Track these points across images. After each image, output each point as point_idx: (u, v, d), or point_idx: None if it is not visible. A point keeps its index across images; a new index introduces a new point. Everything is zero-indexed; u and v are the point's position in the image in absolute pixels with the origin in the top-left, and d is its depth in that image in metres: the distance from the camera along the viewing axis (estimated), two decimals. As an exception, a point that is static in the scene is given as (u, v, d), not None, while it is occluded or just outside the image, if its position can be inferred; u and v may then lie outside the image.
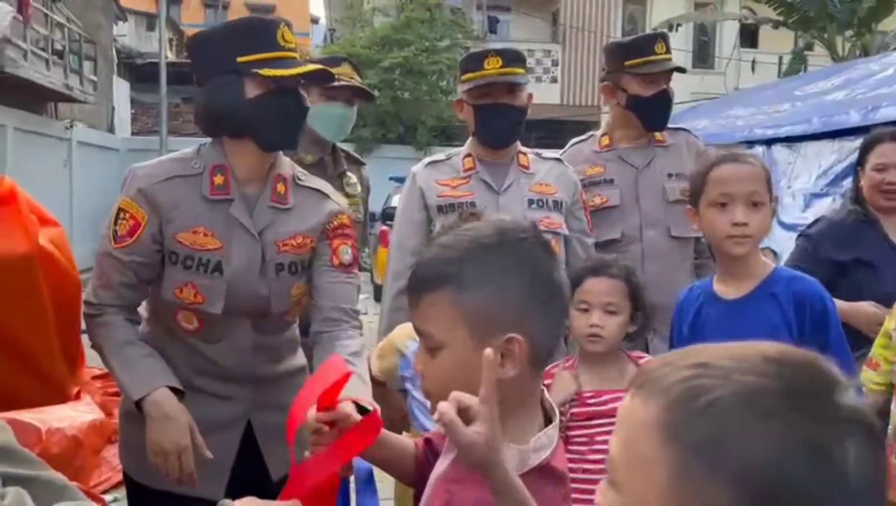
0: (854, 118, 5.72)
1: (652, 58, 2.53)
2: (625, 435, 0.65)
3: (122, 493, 3.14)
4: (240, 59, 1.65)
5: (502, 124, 2.30)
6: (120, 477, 3.25)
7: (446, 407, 0.90)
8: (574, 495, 1.20)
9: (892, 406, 2.03)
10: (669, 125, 2.71)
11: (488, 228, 1.09)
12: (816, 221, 2.70)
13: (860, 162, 2.60)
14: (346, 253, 1.81)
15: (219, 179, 1.71)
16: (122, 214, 1.69)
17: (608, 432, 1.62)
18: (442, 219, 2.24)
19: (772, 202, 1.79)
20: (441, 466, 1.11)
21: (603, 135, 2.66)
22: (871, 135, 2.71)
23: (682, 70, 2.61)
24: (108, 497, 3.41)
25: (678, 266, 2.49)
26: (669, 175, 2.52)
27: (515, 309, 1.01)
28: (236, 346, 1.77)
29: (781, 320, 1.74)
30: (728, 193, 1.73)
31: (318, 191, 1.86)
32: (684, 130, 2.78)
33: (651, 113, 2.57)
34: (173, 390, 1.62)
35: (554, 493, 1.04)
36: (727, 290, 1.83)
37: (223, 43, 1.72)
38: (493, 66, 2.24)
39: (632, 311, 1.93)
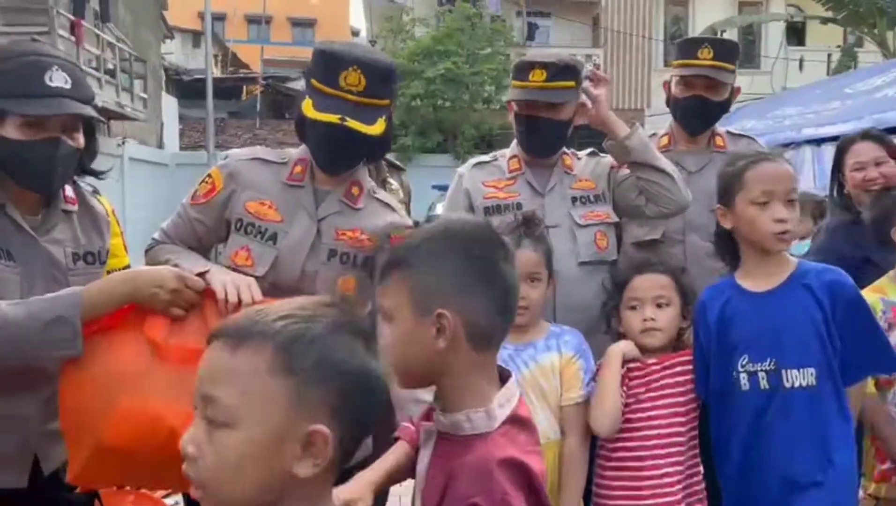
0: (909, 117, 5.61)
1: (692, 61, 2.53)
2: (238, 384, 0.82)
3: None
4: (312, 82, 1.85)
5: (541, 138, 2.30)
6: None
7: None
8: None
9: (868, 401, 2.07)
10: (734, 131, 2.70)
11: (439, 223, 1.29)
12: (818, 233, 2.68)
13: (837, 167, 2.66)
14: None
15: (297, 169, 1.93)
16: (206, 179, 1.95)
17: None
18: (490, 219, 2.21)
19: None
20: (424, 459, 1.22)
21: (664, 135, 2.65)
22: (843, 139, 2.79)
23: (719, 82, 2.53)
24: (169, 501, 3.48)
25: (714, 270, 2.47)
26: None
27: (448, 290, 1.12)
28: None
29: (817, 308, 1.79)
30: (770, 191, 1.78)
31: (387, 204, 2.04)
32: (748, 137, 2.75)
33: (685, 116, 2.58)
34: None
35: (527, 439, 1.16)
36: (756, 283, 1.87)
37: (309, 67, 1.93)
38: (536, 78, 2.23)
39: (682, 304, 1.97)
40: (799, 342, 1.79)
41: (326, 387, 0.84)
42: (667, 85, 2.67)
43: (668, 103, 2.66)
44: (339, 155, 1.89)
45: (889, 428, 2.02)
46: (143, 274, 1.63)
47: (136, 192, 13.89)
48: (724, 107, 2.60)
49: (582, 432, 1.94)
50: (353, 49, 1.90)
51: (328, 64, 1.83)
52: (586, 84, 2.25)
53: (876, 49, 13.97)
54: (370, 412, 0.92)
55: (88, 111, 1.65)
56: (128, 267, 2.35)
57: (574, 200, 2.29)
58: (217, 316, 1.60)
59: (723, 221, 1.90)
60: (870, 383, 2.06)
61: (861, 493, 2.16)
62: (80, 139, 1.66)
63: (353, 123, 1.76)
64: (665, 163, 2.21)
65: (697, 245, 2.42)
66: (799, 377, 1.79)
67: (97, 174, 1.84)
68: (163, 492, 3.49)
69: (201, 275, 1.68)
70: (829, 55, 16.11)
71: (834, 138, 6.20)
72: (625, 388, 1.96)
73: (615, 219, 2.32)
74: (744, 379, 1.84)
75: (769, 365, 1.81)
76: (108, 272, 1.84)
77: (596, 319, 2.11)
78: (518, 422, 1.15)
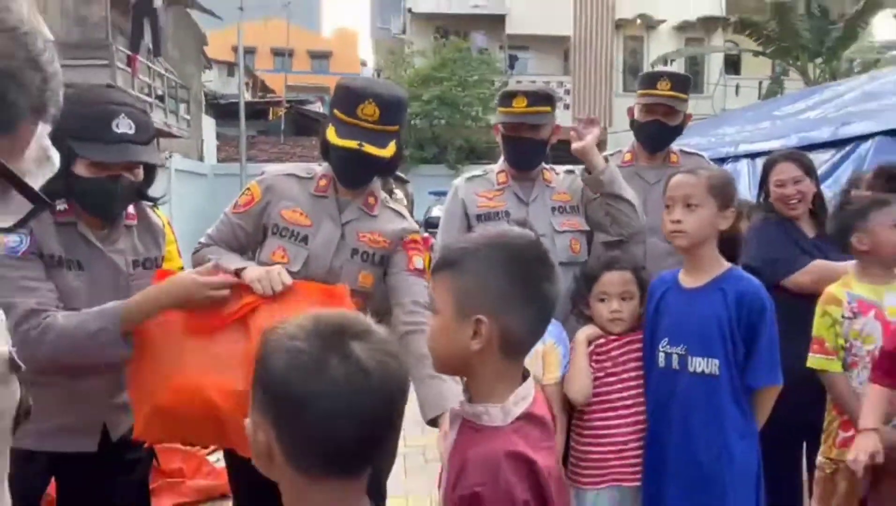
0: (825, 134, 5.61)
1: (653, 91, 2.52)
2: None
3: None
4: (334, 112, 1.87)
5: (524, 154, 2.29)
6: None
7: None
8: None
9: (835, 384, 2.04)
10: (686, 150, 2.68)
11: (497, 232, 1.18)
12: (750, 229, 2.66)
13: (764, 180, 2.66)
14: (419, 261, 1.97)
15: (322, 183, 1.94)
16: (246, 191, 1.96)
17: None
18: (481, 226, 2.22)
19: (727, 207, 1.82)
20: (450, 439, 1.15)
21: (627, 152, 2.64)
22: (768, 158, 2.78)
23: (675, 109, 2.53)
24: (211, 457, 3.48)
25: (673, 267, 2.47)
26: None
27: (492, 298, 1.05)
28: None
29: (725, 310, 1.77)
30: (671, 197, 1.84)
31: (399, 212, 2.07)
32: (698, 154, 2.73)
33: (646, 137, 2.57)
34: None
35: (540, 435, 1.09)
36: (689, 280, 1.86)
37: (332, 99, 1.96)
38: (519, 105, 2.23)
39: (641, 295, 1.98)
40: (705, 335, 1.78)
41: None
42: (630, 110, 2.65)
43: (631, 126, 2.64)
44: (357, 174, 1.92)
45: (856, 403, 1.97)
46: (171, 291, 1.60)
47: (181, 197, 13.82)
48: (678, 130, 2.59)
49: (560, 406, 1.94)
50: (369, 85, 1.91)
51: (349, 97, 1.84)
52: (578, 125, 2.23)
53: (799, 78, 14.02)
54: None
55: (147, 156, 1.65)
56: (181, 269, 2.34)
57: (553, 209, 2.28)
58: (251, 298, 1.64)
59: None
60: (836, 362, 2.02)
61: (820, 458, 2.14)
62: (140, 174, 1.66)
63: (368, 148, 1.78)
64: (630, 194, 2.21)
65: (656, 245, 2.41)
66: (703, 364, 1.78)
67: (153, 201, 1.82)
68: (206, 450, 3.51)
69: (238, 272, 1.69)
70: (760, 83, 16.13)
71: (766, 153, 6.20)
72: (593, 364, 1.96)
73: (587, 228, 2.31)
74: (662, 358, 1.85)
75: (681, 350, 1.81)
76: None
77: (569, 309, 2.11)
78: (532, 419, 1.08)
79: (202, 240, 1.96)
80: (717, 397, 1.77)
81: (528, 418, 1.08)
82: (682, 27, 18.12)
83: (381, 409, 0.80)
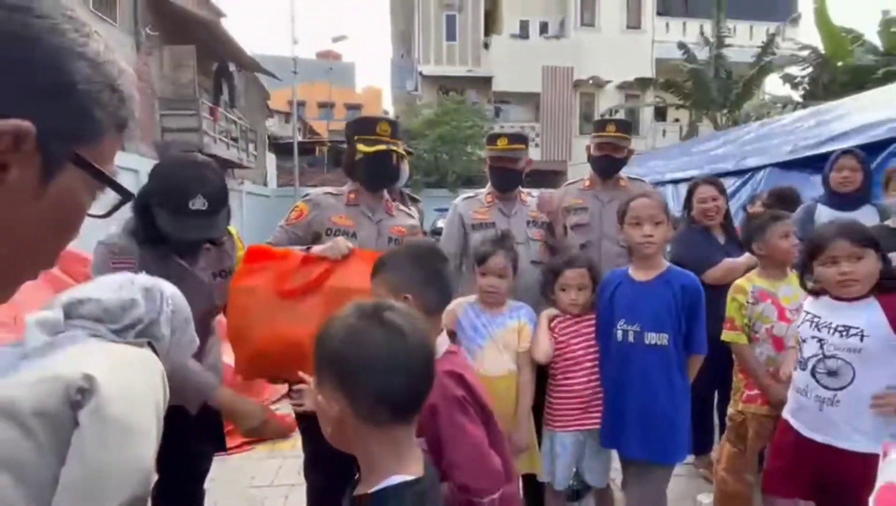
0: (729, 165, 5.64)
1: (603, 133, 2.50)
2: None
3: (282, 403, 3.23)
4: (357, 137, 1.91)
5: (505, 180, 2.27)
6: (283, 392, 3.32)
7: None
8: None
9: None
10: (631, 176, 2.65)
11: (404, 245, 1.37)
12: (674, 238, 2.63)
13: (688, 200, 2.66)
14: None
15: (351, 196, 1.98)
16: (295, 208, 1.98)
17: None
18: (475, 233, 2.22)
19: (669, 221, 1.82)
20: None
21: (588, 179, 2.61)
22: (693, 182, 2.77)
23: (620, 146, 2.52)
24: (274, 407, 3.47)
25: (622, 266, 2.45)
26: None
27: (407, 283, 1.19)
28: None
29: (671, 297, 1.75)
30: (638, 216, 1.78)
31: (408, 213, 2.14)
32: (640, 179, 2.71)
33: (599, 168, 2.55)
34: None
35: (460, 362, 1.23)
36: (640, 275, 1.83)
37: (353, 130, 1.97)
38: (501, 144, 2.24)
39: (593, 286, 1.97)
40: (656, 315, 1.76)
41: None
42: (588, 148, 2.63)
43: (588, 159, 2.61)
44: (383, 174, 1.98)
45: (760, 368, 1.96)
46: (243, 409, 1.49)
47: (250, 212, 13.88)
48: (623, 162, 2.56)
49: (529, 367, 1.92)
50: (377, 115, 2.01)
51: (367, 123, 1.97)
52: (543, 211, 2.19)
53: (710, 125, 14.00)
54: None
55: (212, 231, 1.53)
56: None
57: (528, 222, 2.26)
58: (324, 266, 1.63)
59: (620, 235, 1.90)
60: (743, 337, 2.01)
61: (731, 410, 2.12)
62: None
63: (393, 148, 1.90)
64: (565, 243, 2.21)
65: (610, 248, 2.42)
66: (655, 338, 1.75)
67: (217, 244, 1.72)
68: (270, 401, 3.49)
69: (308, 249, 1.71)
70: (681, 128, 16.08)
71: (686, 179, 6.24)
72: (555, 335, 1.95)
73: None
74: (619, 334, 1.81)
75: (636, 327, 1.78)
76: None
77: (538, 296, 2.10)
78: (451, 353, 1.23)
79: (269, 240, 1.94)
80: (667, 361, 1.76)
81: (448, 353, 1.22)
82: (623, 86, 18.08)
83: (421, 363, 0.79)
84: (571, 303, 1.96)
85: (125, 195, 0.49)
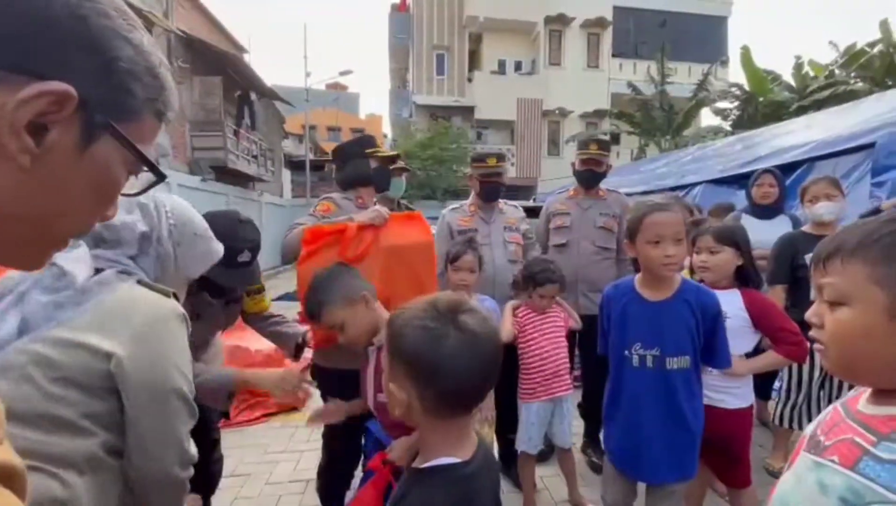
0: (671, 182, 5.70)
1: (586, 151, 2.47)
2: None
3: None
4: (367, 151, 1.86)
5: (494, 193, 2.27)
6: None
7: None
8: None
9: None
10: (609, 188, 2.57)
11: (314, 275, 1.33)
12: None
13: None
14: None
15: (360, 201, 1.87)
16: (322, 203, 1.80)
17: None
18: (459, 237, 2.22)
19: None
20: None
21: (572, 189, 2.58)
22: (650, 196, 2.60)
23: (601, 161, 2.44)
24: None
25: (598, 263, 2.43)
26: (601, 214, 2.45)
27: (357, 288, 1.28)
28: None
29: (692, 317, 1.39)
30: (661, 235, 1.35)
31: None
32: (617, 192, 2.61)
33: (582, 179, 2.49)
34: None
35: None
36: (653, 294, 1.42)
37: (361, 146, 1.89)
38: (491, 162, 2.25)
39: (562, 289, 1.99)
40: (677, 339, 1.39)
41: None
42: (573, 164, 2.58)
43: (573, 172, 2.55)
44: (391, 178, 1.99)
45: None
46: (268, 377, 1.43)
47: (268, 221, 13.64)
48: (603, 175, 2.50)
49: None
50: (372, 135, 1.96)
51: (371, 140, 1.94)
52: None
53: (656, 148, 14.18)
54: None
55: (255, 279, 1.51)
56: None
57: (505, 228, 2.26)
58: (370, 233, 1.56)
59: (630, 252, 1.42)
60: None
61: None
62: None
63: (399, 155, 2.01)
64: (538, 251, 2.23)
65: (587, 248, 2.41)
66: (677, 362, 1.39)
67: (246, 292, 1.64)
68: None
69: (350, 220, 1.60)
70: (632, 150, 16.25)
71: (637, 194, 6.31)
72: (518, 321, 1.96)
73: (523, 242, 2.31)
74: (636, 358, 1.41)
75: (655, 352, 1.39)
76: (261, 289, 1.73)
77: (511, 292, 2.10)
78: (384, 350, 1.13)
79: (299, 221, 1.76)
80: (689, 382, 1.41)
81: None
82: (584, 115, 18.25)
83: (490, 363, 0.73)
84: (545, 305, 1.98)
85: (159, 175, 0.45)
